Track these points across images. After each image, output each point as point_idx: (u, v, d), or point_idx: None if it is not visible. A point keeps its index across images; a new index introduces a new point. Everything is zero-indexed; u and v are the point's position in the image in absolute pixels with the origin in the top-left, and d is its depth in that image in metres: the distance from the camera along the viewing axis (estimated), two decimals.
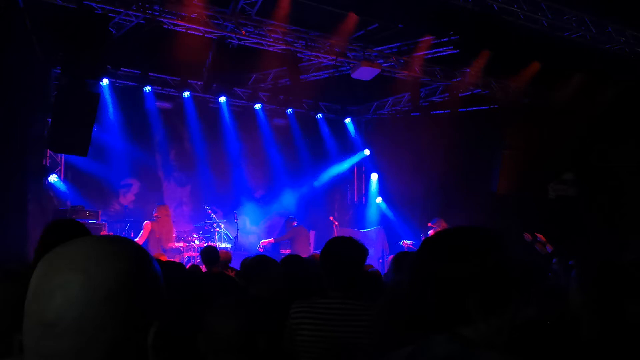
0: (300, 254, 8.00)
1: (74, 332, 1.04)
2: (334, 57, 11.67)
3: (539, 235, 9.41)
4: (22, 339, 1.10)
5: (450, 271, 1.35)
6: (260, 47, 11.14)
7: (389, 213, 15.40)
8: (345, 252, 3.27)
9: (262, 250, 12.28)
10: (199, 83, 12.72)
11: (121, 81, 12.54)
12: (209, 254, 6.71)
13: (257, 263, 3.95)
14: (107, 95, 12.21)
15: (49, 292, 1.06)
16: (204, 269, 6.98)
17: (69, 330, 1.04)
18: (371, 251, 7.78)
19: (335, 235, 12.78)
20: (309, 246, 12.49)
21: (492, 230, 1.43)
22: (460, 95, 13.39)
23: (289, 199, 14.91)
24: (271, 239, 12.61)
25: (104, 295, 1.06)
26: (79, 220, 9.93)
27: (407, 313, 1.44)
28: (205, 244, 11.77)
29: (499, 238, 1.42)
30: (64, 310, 1.04)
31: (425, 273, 1.39)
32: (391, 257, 8.17)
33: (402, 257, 5.01)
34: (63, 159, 11.90)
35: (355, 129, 16.24)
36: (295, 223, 12.52)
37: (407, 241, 13.26)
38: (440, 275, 1.35)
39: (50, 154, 11.64)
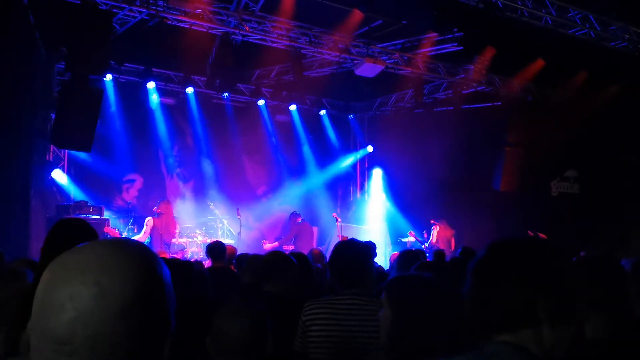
0: (304, 251, 8.03)
1: (89, 349, 0.98)
2: (338, 54, 11.66)
3: (541, 235, 9.41)
4: (30, 355, 1.02)
5: (525, 271, 1.38)
6: (264, 43, 11.13)
7: (392, 209, 15.40)
8: (351, 252, 3.34)
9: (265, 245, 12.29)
10: (203, 79, 12.71)
11: (124, 77, 12.53)
12: (214, 249, 6.78)
13: (276, 260, 3.96)
14: (111, 91, 12.20)
15: (58, 306, 0.99)
16: (209, 263, 7.03)
17: (83, 347, 0.98)
18: None
19: (338, 231, 12.79)
20: (312, 243, 12.47)
21: (548, 241, 1.49)
22: (463, 92, 13.38)
23: (291, 195, 14.90)
24: (276, 243, 12.36)
25: (120, 309, 0.99)
26: (82, 215, 9.98)
27: (473, 307, 1.45)
28: (208, 240, 11.80)
29: (558, 248, 1.46)
30: (77, 327, 0.98)
31: (500, 270, 1.42)
32: (395, 254, 8.19)
33: (407, 256, 5.02)
34: (66, 155, 11.90)
35: (358, 125, 16.24)
36: (300, 219, 12.50)
37: (412, 232, 13.21)
38: (514, 274, 1.39)
39: (53, 149, 11.65)
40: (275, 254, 4.14)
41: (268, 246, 12.11)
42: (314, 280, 4.97)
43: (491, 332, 1.38)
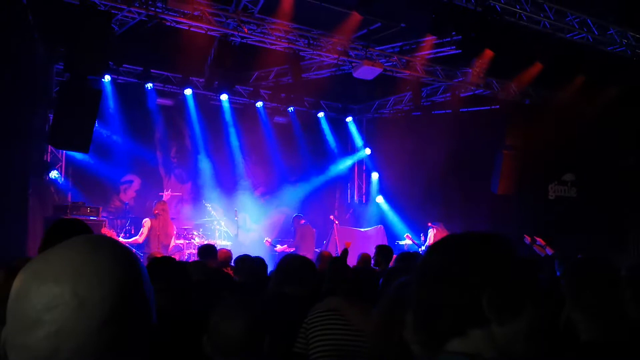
0: (306, 253, 8.10)
1: None
2: (336, 56, 11.67)
3: (538, 239, 9.43)
4: None
5: (465, 266, 1.30)
6: (263, 45, 11.13)
7: (389, 212, 15.41)
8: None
9: (269, 245, 12.31)
10: (201, 80, 12.72)
11: (123, 78, 12.53)
12: (205, 250, 7.10)
13: (301, 265, 4.01)
14: (109, 92, 12.21)
15: (35, 320, 0.94)
16: None
17: None
18: (371, 250, 7.80)
19: (335, 233, 12.82)
20: (313, 245, 12.49)
21: (503, 235, 1.40)
22: (461, 95, 13.40)
23: (289, 197, 14.91)
24: (291, 248, 12.38)
25: (102, 316, 0.96)
26: (79, 216, 9.97)
27: (416, 315, 1.35)
28: (205, 242, 11.81)
29: (511, 242, 1.37)
30: (59, 341, 0.93)
31: (437, 270, 1.33)
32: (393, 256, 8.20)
33: (404, 258, 5.05)
34: (64, 155, 11.90)
35: (356, 127, 16.25)
36: (303, 221, 12.51)
37: (409, 235, 13.23)
38: (454, 270, 1.30)
39: (51, 149, 11.65)
40: (299, 258, 4.15)
41: (279, 248, 12.17)
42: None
43: (441, 339, 1.30)
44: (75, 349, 0.94)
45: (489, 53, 11.52)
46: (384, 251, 7.37)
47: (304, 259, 4.10)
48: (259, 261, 5.97)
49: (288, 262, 4.03)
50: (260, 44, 11.11)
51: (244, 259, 6.07)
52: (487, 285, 1.27)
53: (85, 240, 1.05)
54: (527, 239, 10.03)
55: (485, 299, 1.26)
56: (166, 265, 3.34)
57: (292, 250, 11.66)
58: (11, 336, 0.96)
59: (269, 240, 12.57)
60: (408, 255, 5.36)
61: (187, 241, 11.78)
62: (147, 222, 10.85)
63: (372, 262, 7.54)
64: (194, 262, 5.89)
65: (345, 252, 9.20)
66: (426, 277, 1.35)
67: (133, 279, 1.02)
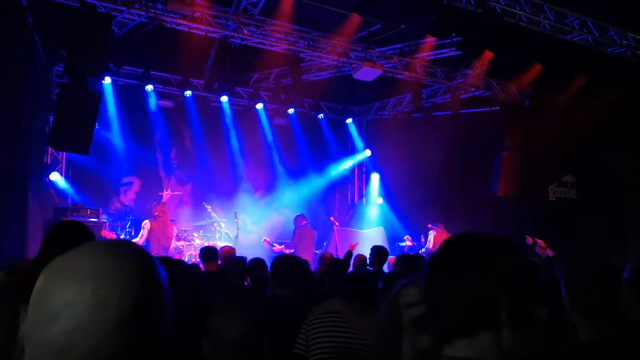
0: (304, 254, 8.06)
1: None
2: (336, 58, 11.66)
3: (539, 241, 9.42)
4: None
5: (482, 271, 1.27)
6: (263, 46, 11.13)
7: (390, 214, 15.40)
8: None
9: (267, 244, 12.29)
10: (201, 82, 12.72)
11: (123, 80, 12.53)
12: (206, 252, 7.05)
13: (296, 266, 3.99)
14: (109, 94, 12.20)
15: (53, 315, 0.96)
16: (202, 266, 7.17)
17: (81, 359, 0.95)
18: (370, 252, 7.78)
19: (335, 235, 12.78)
20: (312, 247, 12.46)
21: (505, 237, 1.38)
22: (461, 96, 13.39)
23: (289, 199, 14.91)
24: (289, 249, 12.37)
25: (119, 320, 0.97)
26: (80, 218, 9.97)
27: (428, 318, 1.33)
28: (205, 244, 11.81)
29: (516, 245, 1.35)
30: (75, 339, 0.95)
31: (453, 274, 1.31)
32: (392, 258, 8.19)
33: (404, 259, 5.04)
34: (64, 157, 11.89)
35: (356, 129, 16.24)
36: (304, 222, 12.50)
37: (409, 237, 13.24)
38: (471, 276, 1.27)
39: (51, 151, 11.65)
40: (288, 260, 4.13)
41: (277, 247, 12.15)
42: (313, 284, 5.00)
43: (447, 338, 1.28)
44: (88, 348, 0.95)
45: (489, 54, 11.53)
46: (378, 252, 7.38)
47: (293, 260, 4.08)
48: (254, 263, 5.97)
49: (276, 264, 4.02)
50: (260, 46, 11.11)
51: (235, 261, 6.07)
52: (503, 289, 1.25)
53: (108, 244, 1.08)
54: (529, 240, 10.03)
55: (505, 302, 1.24)
56: (170, 266, 3.33)
57: (291, 251, 11.64)
58: (30, 330, 0.98)
59: (268, 239, 12.55)
60: (408, 257, 5.35)
61: (188, 243, 11.77)
62: (146, 224, 10.84)
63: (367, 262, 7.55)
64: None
65: (349, 254, 9.19)
66: (436, 276, 1.34)
67: (153, 284, 1.04)
